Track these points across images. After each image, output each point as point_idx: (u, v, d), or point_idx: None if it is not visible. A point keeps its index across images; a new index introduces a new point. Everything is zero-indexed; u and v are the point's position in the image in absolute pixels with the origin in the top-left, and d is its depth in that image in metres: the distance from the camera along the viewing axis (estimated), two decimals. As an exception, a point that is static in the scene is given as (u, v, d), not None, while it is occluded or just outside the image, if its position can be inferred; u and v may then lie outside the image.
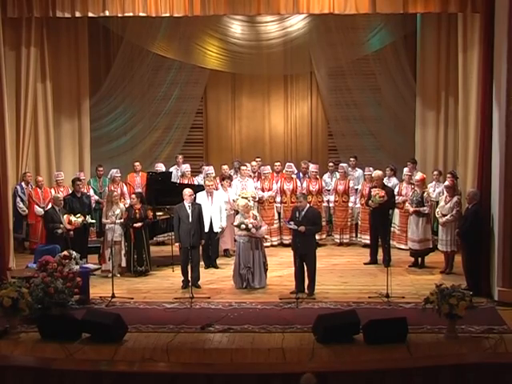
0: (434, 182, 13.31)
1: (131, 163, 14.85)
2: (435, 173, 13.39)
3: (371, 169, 13.59)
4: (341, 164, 14.34)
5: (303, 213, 10.97)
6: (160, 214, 12.93)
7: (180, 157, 15.02)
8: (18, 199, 13.66)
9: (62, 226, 11.86)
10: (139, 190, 13.95)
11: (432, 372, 8.15)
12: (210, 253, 12.65)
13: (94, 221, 12.52)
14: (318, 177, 14.11)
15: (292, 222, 11.06)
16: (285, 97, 16.07)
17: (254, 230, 11.21)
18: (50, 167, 14.44)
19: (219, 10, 11.43)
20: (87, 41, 14.88)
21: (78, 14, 11.54)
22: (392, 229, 13.24)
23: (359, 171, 14.47)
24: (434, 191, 13.05)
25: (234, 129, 16.31)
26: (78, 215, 12.02)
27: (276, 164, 14.45)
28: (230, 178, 13.75)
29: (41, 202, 13.41)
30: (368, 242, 13.07)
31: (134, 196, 12.48)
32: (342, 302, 10.53)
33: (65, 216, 12.03)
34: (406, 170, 13.42)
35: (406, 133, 15.28)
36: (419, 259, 12.41)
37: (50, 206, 12.48)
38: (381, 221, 12.35)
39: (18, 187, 13.66)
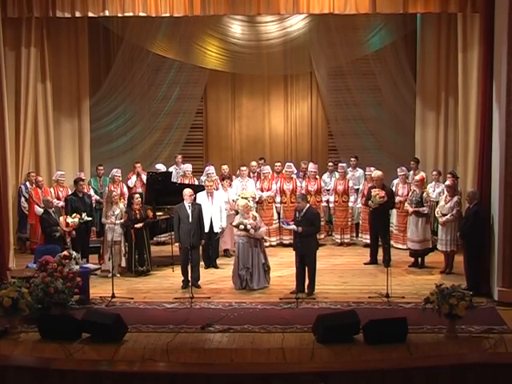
0: (433, 182, 13.30)
1: (131, 163, 14.85)
2: (434, 173, 13.36)
3: (372, 169, 13.59)
4: (340, 164, 14.34)
5: (302, 213, 10.96)
6: (160, 214, 12.93)
7: (179, 156, 15.02)
8: (23, 199, 13.69)
9: (59, 228, 11.85)
10: (140, 191, 13.96)
11: (432, 372, 8.14)
12: (210, 253, 12.65)
13: (90, 218, 12.35)
14: (317, 177, 14.11)
15: (292, 223, 11.06)
16: (285, 97, 16.07)
17: (252, 231, 11.19)
18: (50, 167, 14.45)
19: (219, 10, 11.44)
20: (87, 41, 14.87)
21: (78, 14, 11.55)
22: (390, 228, 13.24)
23: (360, 171, 14.48)
24: (433, 191, 13.04)
25: (234, 129, 16.31)
26: (74, 215, 12.00)
27: (276, 164, 14.44)
28: (229, 178, 13.76)
29: (41, 202, 13.38)
30: (369, 241, 13.06)
31: (137, 195, 12.42)
32: (342, 302, 10.53)
33: (61, 218, 12.03)
34: (398, 170, 13.39)
35: (406, 133, 15.28)
36: (419, 259, 12.41)
37: (42, 210, 12.36)
38: (380, 221, 12.36)
39: (23, 187, 13.70)
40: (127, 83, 15.76)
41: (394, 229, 13.32)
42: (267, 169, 14.24)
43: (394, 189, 13.17)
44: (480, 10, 11.01)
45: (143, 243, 12.12)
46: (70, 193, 13.29)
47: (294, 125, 16.17)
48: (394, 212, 13.21)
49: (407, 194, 12.80)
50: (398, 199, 13.00)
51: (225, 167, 14.17)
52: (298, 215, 11.01)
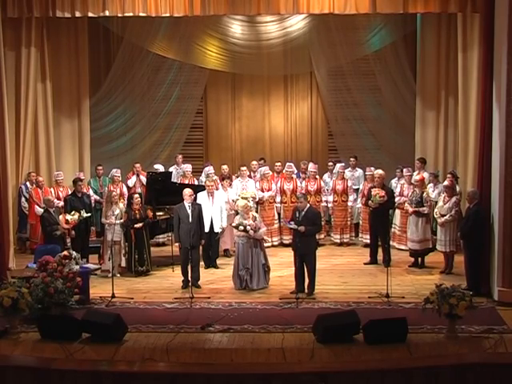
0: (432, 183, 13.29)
1: (131, 163, 14.85)
2: (430, 178, 13.33)
3: (372, 168, 13.59)
4: (338, 164, 14.34)
5: (303, 213, 10.96)
6: (160, 213, 12.93)
7: (180, 156, 15.02)
8: (23, 199, 13.69)
9: (59, 227, 11.87)
10: (139, 191, 13.96)
11: (432, 372, 8.14)
12: (210, 253, 12.64)
13: (89, 214, 12.42)
14: (316, 177, 14.11)
15: (292, 222, 11.06)
16: (285, 97, 16.08)
17: (251, 232, 11.17)
18: (49, 167, 14.45)
19: (219, 10, 11.44)
20: (87, 41, 14.89)
21: (78, 14, 11.56)
22: (392, 229, 13.24)
23: (359, 171, 14.48)
24: (433, 191, 13.02)
25: (234, 129, 16.31)
26: (73, 213, 12.03)
27: (277, 164, 14.45)
28: (229, 178, 13.76)
29: (41, 202, 13.37)
30: (369, 241, 13.05)
31: (137, 196, 12.42)
32: (342, 302, 10.53)
33: (60, 217, 12.05)
34: (405, 170, 13.39)
35: (406, 133, 15.29)
36: (419, 259, 12.41)
37: (43, 209, 12.37)
38: (380, 221, 12.36)
39: (23, 187, 13.71)
40: (127, 83, 15.77)
41: (396, 230, 13.30)
42: (267, 169, 14.23)
43: (398, 189, 13.16)
44: (480, 10, 11.01)
45: (143, 243, 12.12)
46: (70, 193, 13.29)
47: (294, 125, 16.18)
48: (397, 213, 13.21)
49: (412, 195, 12.79)
50: (402, 199, 12.97)
51: (225, 167, 14.17)
52: (298, 215, 11.00)
